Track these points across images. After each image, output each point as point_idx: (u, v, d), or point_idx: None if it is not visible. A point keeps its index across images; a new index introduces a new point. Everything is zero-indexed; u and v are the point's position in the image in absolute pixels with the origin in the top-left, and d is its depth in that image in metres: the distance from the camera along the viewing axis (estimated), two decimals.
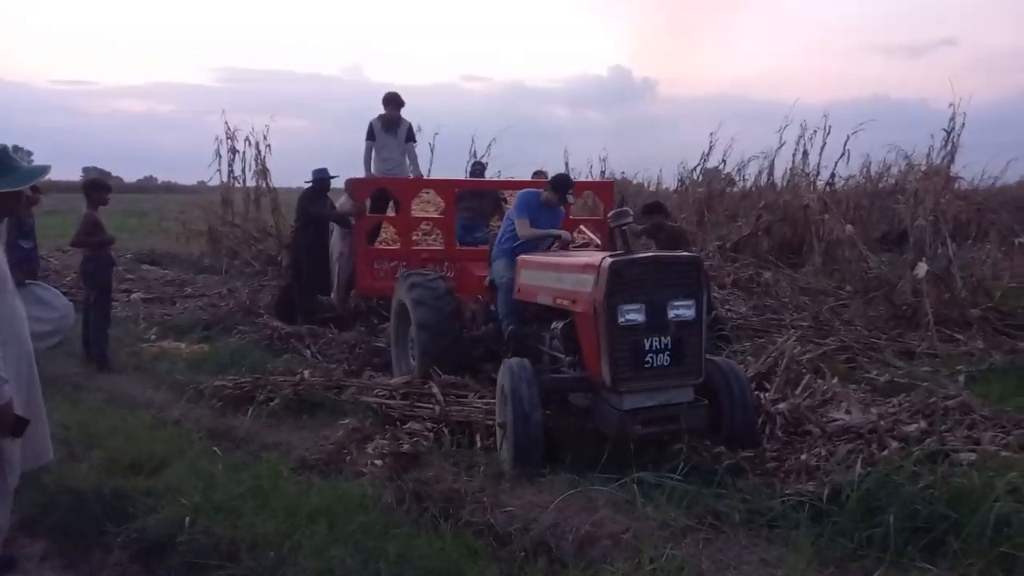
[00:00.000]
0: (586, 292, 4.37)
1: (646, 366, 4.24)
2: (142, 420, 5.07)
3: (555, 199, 5.71)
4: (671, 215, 8.97)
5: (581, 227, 7.86)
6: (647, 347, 4.23)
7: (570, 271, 4.69)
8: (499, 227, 6.38)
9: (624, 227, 4.69)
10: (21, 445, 3.15)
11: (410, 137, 8.79)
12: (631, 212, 4.82)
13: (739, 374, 4.64)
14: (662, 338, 4.25)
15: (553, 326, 4.99)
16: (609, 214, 4.94)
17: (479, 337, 5.79)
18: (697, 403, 4.40)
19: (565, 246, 5.84)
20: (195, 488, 3.68)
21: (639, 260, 4.37)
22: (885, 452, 4.18)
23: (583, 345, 4.54)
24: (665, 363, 4.27)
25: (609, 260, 4.29)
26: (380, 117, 8.57)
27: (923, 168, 11.73)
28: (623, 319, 4.21)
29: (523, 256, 5.40)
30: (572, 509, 3.64)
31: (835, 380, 5.51)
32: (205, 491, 3.64)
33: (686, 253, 4.88)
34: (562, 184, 5.77)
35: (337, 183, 9.23)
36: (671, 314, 4.27)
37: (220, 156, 15.46)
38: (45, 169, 3.29)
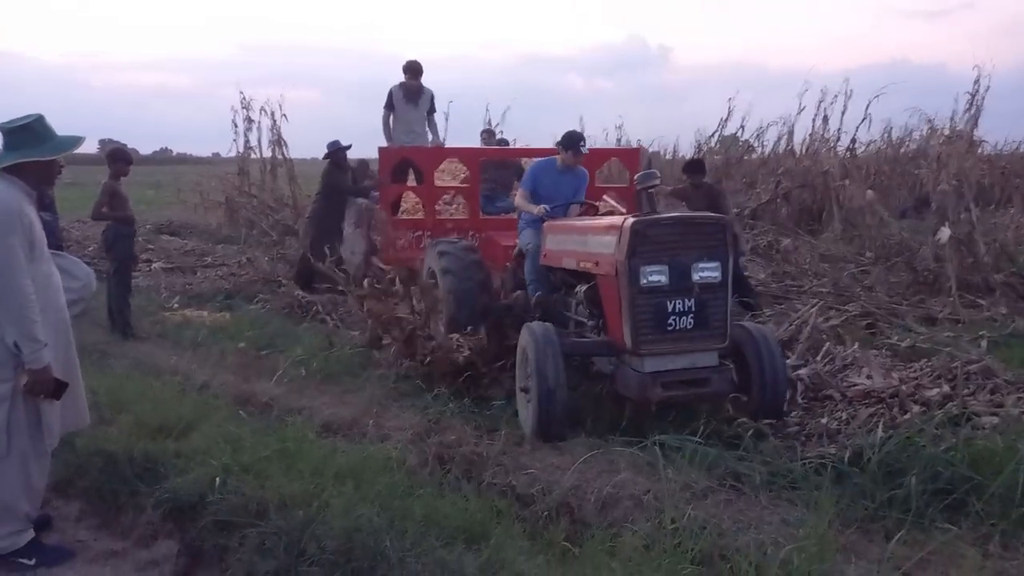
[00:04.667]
0: (608, 253, 4.31)
1: (669, 329, 4.17)
2: (169, 385, 5.16)
3: (571, 157, 5.55)
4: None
5: (605, 196, 7.82)
6: (670, 309, 4.16)
7: (594, 233, 4.62)
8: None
9: (651, 189, 4.55)
10: (60, 409, 3.23)
11: (432, 107, 8.67)
12: (658, 174, 4.71)
13: (771, 343, 4.48)
14: (686, 300, 4.17)
15: (577, 289, 4.93)
16: (636, 176, 4.83)
17: (508, 306, 5.68)
18: (722, 368, 4.32)
19: (591, 211, 5.75)
20: (223, 450, 3.74)
21: (662, 220, 4.29)
22: (907, 416, 4.19)
23: (605, 308, 4.49)
24: (688, 326, 4.19)
25: (631, 220, 4.23)
26: (401, 85, 8.44)
27: (946, 132, 11.53)
28: (645, 280, 4.14)
29: (549, 222, 5.34)
30: (593, 471, 3.68)
31: (856, 346, 5.50)
32: (233, 453, 3.70)
33: (712, 214, 4.79)
34: (570, 139, 5.55)
35: (351, 154, 9.25)
36: (695, 276, 4.18)
37: (236, 126, 15.49)
38: (79, 139, 3.31)
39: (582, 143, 5.60)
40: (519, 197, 5.70)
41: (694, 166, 7.69)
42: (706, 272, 4.19)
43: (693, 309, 4.18)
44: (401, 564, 2.80)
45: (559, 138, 5.82)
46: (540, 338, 4.30)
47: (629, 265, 4.14)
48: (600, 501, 3.41)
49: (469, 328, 5.34)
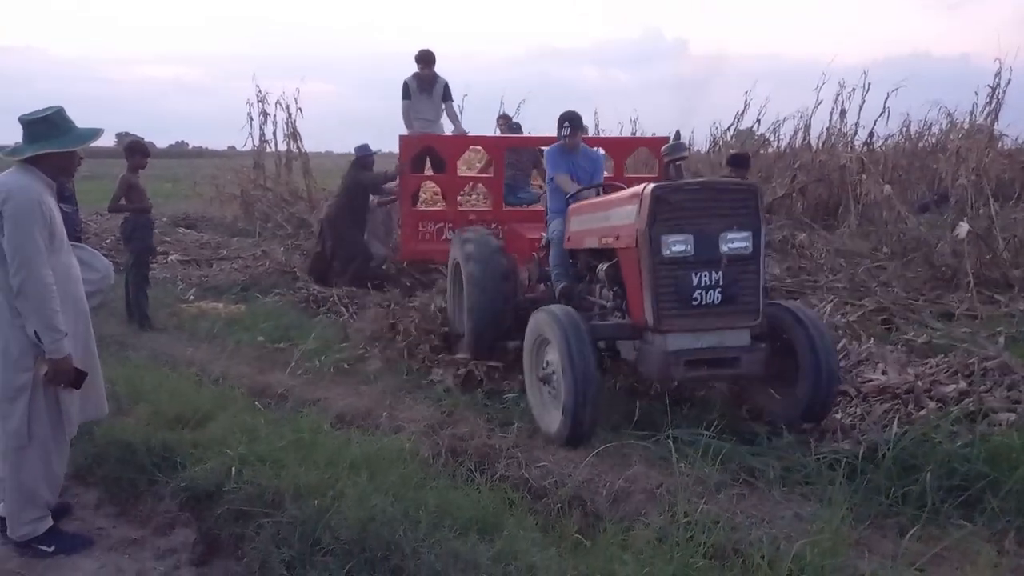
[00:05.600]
0: (629, 224, 4.00)
1: (694, 304, 3.87)
2: (185, 376, 5.22)
3: (569, 137, 5.29)
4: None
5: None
6: (695, 283, 3.85)
7: (616, 206, 4.33)
8: (540, 187, 6.10)
9: (679, 161, 4.26)
10: (79, 398, 3.28)
11: (447, 95, 8.53)
12: (687, 146, 4.48)
13: (823, 329, 4.10)
14: (713, 273, 3.86)
15: (598, 269, 4.60)
16: (663, 148, 4.53)
17: (535, 299, 5.40)
18: (754, 347, 3.99)
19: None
20: (239, 440, 3.78)
21: (686, 186, 3.97)
22: (923, 412, 4.16)
23: (627, 284, 4.17)
24: (716, 301, 3.88)
25: (652, 186, 3.91)
26: (415, 76, 8.37)
27: (966, 126, 11.41)
28: (668, 251, 3.84)
29: (574, 206, 5.02)
30: (606, 465, 3.69)
31: (871, 342, 5.46)
32: (249, 443, 3.74)
33: (742, 180, 4.54)
34: (562, 119, 5.30)
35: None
36: (724, 247, 3.86)
37: (251, 120, 15.56)
38: (99, 131, 3.34)
39: (572, 122, 5.30)
40: (562, 180, 5.30)
41: (739, 159, 7.19)
42: (736, 243, 3.88)
43: (721, 283, 3.87)
44: (415, 554, 2.81)
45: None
46: (565, 322, 3.97)
47: (650, 234, 3.84)
48: (612, 494, 3.42)
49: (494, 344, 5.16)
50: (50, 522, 3.33)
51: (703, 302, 3.90)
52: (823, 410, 4.11)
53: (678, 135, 4.89)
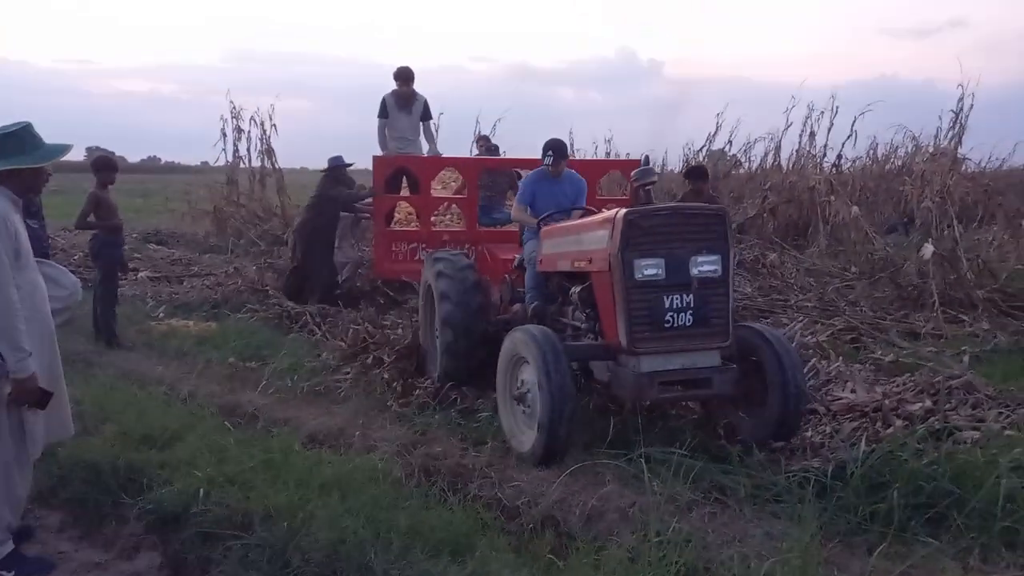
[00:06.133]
0: (601, 248, 4.10)
1: (666, 326, 3.96)
2: (154, 395, 5.14)
3: (552, 166, 5.36)
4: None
5: (604, 208, 7.80)
6: (667, 305, 3.95)
7: (588, 230, 4.44)
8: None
9: (648, 186, 4.40)
10: (44, 418, 3.21)
11: (426, 114, 8.51)
12: (656, 171, 4.66)
13: (790, 350, 4.20)
14: (684, 296, 3.96)
15: (571, 291, 4.69)
16: (633, 172, 4.63)
17: (507, 320, 5.42)
18: (725, 368, 4.10)
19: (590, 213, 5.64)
20: (208, 461, 3.73)
21: (658, 211, 4.08)
22: (890, 430, 4.22)
23: (600, 307, 4.26)
24: (687, 323, 3.97)
25: (624, 211, 4.02)
26: (393, 93, 8.31)
27: (930, 150, 11.69)
28: (640, 275, 3.93)
29: (546, 228, 5.11)
30: (579, 484, 3.69)
31: (840, 360, 5.54)
32: (218, 464, 3.69)
33: (711, 205, 4.68)
34: (546, 147, 5.37)
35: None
36: (694, 270, 3.97)
37: (225, 135, 15.46)
38: (67, 147, 3.31)
39: (555, 151, 5.38)
40: (516, 211, 5.56)
41: (697, 171, 7.51)
42: (705, 266, 4.00)
43: (692, 305, 3.98)
44: None
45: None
46: (541, 340, 4.02)
47: (622, 258, 3.93)
48: (585, 514, 3.42)
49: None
50: (11, 546, 3.25)
51: (675, 324, 3.99)
52: (792, 428, 4.19)
53: (647, 160, 5.01)
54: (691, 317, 3.99)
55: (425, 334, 6.05)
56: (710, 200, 7.47)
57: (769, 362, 4.14)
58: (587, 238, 4.40)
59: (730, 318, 4.11)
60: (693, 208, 4.43)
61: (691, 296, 3.98)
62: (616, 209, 4.23)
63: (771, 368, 4.13)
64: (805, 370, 5.18)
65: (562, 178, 5.51)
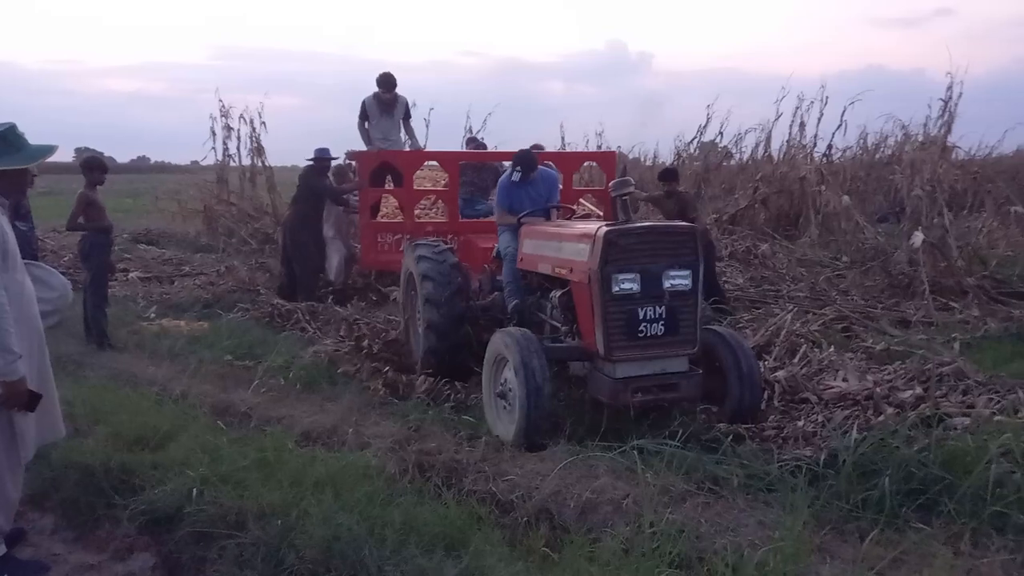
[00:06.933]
0: (582, 261, 4.39)
1: (640, 335, 4.27)
2: (146, 396, 5.11)
3: (520, 179, 5.56)
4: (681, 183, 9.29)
5: (581, 200, 7.89)
6: (641, 316, 4.26)
7: (569, 240, 4.70)
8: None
9: (625, 197, 4.62)
10: (35, 421, 3.20)
11: (407, 114, 8.72)
12: (632, 181, 4.77)
13: (746, 348, 4.63)
14: (656, 307, 4.28)
15: (552, 295, 5.02)
16: (610, 184, 4.92)
17: (485, 307, 5.79)
18: (691, 373, 4.42)
19: (568, 215, 5.83)
20: (201, 461, 3.72)
21: (634, 229, 4.37)
22: (881, 417, 4.25)
23: (579, 314, 4.57)
24: (659, 332, 4.29)
25: (604, 229, 4.30)
26: (375, 97, 8.45)
27: (920, 138, 11.71)
28: (617, 288, 4.23)
29: (526, 226, 5.39)
30: (573, 477, 3.70)
31: (832, 349, 5.57)
32: (211, 463, 3.68)
33: (683, 223, 4.89)
34: (515, 162, 5.62)
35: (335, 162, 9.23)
36: (666, 284, 4.28)
37: (215, 134, 15.37)
38: (52, 148, 3.29)
39: (517, 168, 5.56)
40: (498, 215, 5.80)
41: (668, 174, 8.13)
42: (676, 280, 4.30)
43: (664, 316, 4.29)
44: (380, 573, 2.80)
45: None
46: (522, 341, 4.34)
47: (602, 273, 4.22)
48: (580, 506, 3.43)
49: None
50: (3, 549, 3.23)
51: (648, 334, 4.29)
52: (753, 415, 4.49)
53: (625, 170, 5.17)
54: (663, 327, 4.31)
55: (407, 325, 6.26)
56: (682, 199, 7.87)
57: (727, 362, 4.50)
58: (568, 248, 4.68)
59: (697, 326, 4.42)
60: (667, 227, 4.74)
61: (663, 308, 4.30)
62: (597, 225, 4.53)
63: (727, 365, 4.50)
64: (796, 359, 5.40)
65: (535, 178, 5.71)
